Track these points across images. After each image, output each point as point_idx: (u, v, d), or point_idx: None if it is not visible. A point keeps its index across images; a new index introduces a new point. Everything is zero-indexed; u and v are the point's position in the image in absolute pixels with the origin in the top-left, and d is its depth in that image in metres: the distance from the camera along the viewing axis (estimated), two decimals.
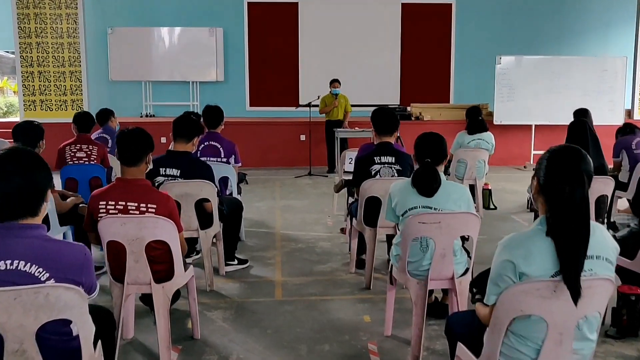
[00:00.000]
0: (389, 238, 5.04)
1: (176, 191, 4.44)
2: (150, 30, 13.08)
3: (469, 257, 3.62)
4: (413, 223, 3.35)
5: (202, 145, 5.65)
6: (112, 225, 3.25)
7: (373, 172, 4.69)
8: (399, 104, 13.23)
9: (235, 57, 13.29)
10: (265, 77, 13.32)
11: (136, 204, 3.30)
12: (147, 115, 13.15)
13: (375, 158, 4.70)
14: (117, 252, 3.33)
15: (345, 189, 6.26)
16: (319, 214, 7.59)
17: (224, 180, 5.69)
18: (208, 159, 5.63)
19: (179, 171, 4.49)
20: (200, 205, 4.57)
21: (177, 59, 13.08)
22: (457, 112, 12.25)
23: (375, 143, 4.86)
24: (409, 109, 12.33)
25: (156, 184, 4.50)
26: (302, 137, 11.71)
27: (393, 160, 4.69)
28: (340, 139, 10.60)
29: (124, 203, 3.31)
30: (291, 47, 13.35)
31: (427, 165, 3.47)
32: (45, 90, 11.68)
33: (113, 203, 3.32)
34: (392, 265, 3.69)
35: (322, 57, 13.33)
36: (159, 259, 3.39)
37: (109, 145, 6.77)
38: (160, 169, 4.50)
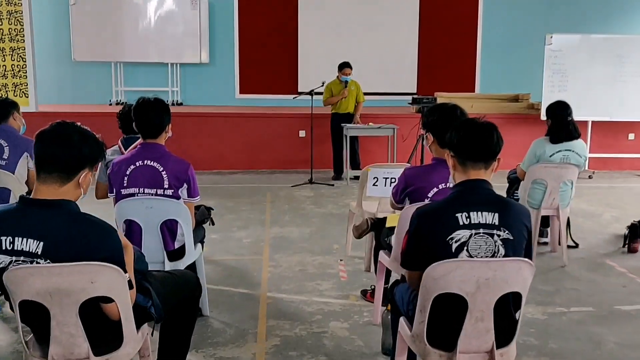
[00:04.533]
0: None
1: (37, 286, 2.10)
2: (122, 1, 11.46)
3: None
4: None
5: (132, 168, 3.28)
6: None
7: (455, 245, 2.31)
8: (416, 92, 11.97)
9: (223, 35, 11.96)
10: (258, 60, 12.00)
11: None
12: (117, 103, 11.65)
13: (458, 215, 2.29)
14: None
15: (372, 233, 3.93)
16: (325, 254, 5.24)
17: (170, 227, 3.34)
18: (140, 191, 3.27)
19: (40, 244, 2.10)
20: (95, 308, 2.24)
21: (153, 36, 11.64)
22: (490, 103, 10.63)
23: (454, 181, 2.45)
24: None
25: None
26: (302, 133, 9.95)
27: (496, 221, 2.28)
28: (350, 137, 8.97)
29: None
30: (290, 24, 12.03)
31: None
32: None
33: None
34: None
35: (326, 36, 12.00)
36: None
37: (4, 155, 4.43)
38: (2, 238, 2.13)
